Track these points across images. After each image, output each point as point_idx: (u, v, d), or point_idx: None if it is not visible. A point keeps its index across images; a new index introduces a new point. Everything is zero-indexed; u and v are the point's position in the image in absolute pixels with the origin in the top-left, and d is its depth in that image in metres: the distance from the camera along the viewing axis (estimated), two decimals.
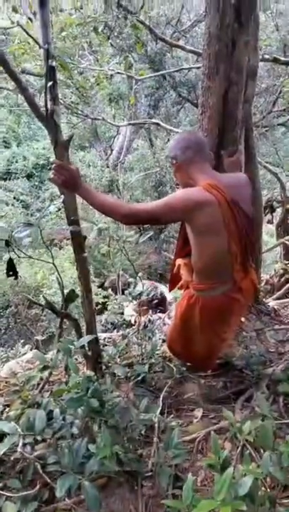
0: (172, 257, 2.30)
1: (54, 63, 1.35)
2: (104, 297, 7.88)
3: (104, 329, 3.45)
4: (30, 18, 2.99)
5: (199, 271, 1.90)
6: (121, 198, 10.51)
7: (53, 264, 1.90)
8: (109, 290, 8.06)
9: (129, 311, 3.16)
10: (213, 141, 2.00)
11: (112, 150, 11.87)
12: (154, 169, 9.49)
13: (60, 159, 1.59)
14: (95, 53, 3.76)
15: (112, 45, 3.53)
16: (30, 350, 3.73)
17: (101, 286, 8.98)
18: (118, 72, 3.60)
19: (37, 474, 1.58)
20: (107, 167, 11.08)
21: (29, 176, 14.83)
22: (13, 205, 12.37)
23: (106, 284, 9.58)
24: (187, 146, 1.81)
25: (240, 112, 1.97)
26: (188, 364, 2.33)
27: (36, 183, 14.63)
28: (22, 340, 4.81)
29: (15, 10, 3.34)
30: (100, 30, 3.21)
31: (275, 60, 3.16)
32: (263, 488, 1.54)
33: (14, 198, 13.08)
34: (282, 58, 3.24)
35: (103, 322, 3.98)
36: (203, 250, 1.80)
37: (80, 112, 4.65)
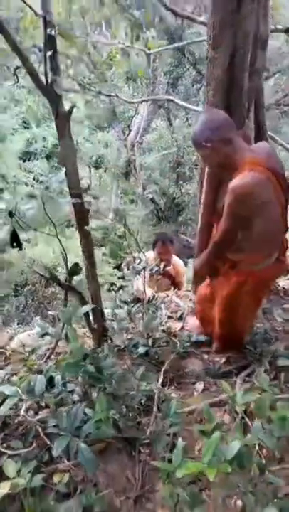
0: (189, 240, 2.39)
1: (53, 32, 1.35)
2: (120, 278, 7.95)
3: (116, 306, 3.49)
4: None
5: (256, 245, 1.90)
6: (138, 180, 10.47)
7: (57, 237, 1.93)
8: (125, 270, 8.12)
9: (139, 285, 3.17)
10: None
11: (130, 130, 11.75)
12: (172, 149, 9.36)
13: (62, 131, 1.60)
14: (109, 28, 3.68)
15: (127, 18, 3.42)
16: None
17: (118, 267, 9.04)
18: (128, 46, 3.53)
19: (38, 437, 1.65)
20: (125, 147, 10.99)
21: (48, 157, 14.86)
22: (32, 186, 12.48)
23: (123, 266, 9.63)
24: (218, 125, 1.78)
25: (246, 84, 1.91)
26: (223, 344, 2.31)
27: (55, 164, 14.67)
28: (38, 317, 4.93)
29: None
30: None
31: (288, 31, 3.04)
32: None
33: (34, 178, 13.16)
34: None
35: (118, 302, 4.01)
36: (265, 226, 1.82)
37: (93, 89, 4.60)
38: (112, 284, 7.47)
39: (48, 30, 1.34)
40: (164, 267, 2.34)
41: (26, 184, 12.41)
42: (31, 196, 1.74)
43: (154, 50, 4.16)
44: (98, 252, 7.91)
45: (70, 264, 1.97)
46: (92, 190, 12.98)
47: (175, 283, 3.75)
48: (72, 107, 1.56)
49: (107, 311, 2.91)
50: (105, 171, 12.55)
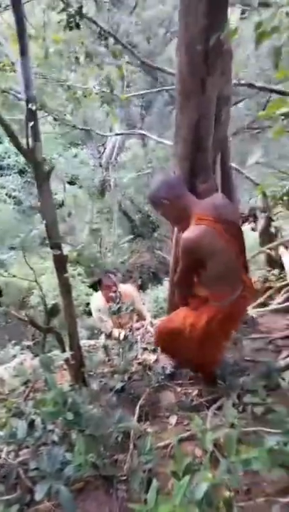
0: (165, 256, 2.61)
1: (34, 107, 1.47)
2: None
3: (91, 334, 3.58)
4: (12, 63, 3.08)
5: (215, 283, 2.14)
6: (114, 198, 10.63)
7: (32, 269, 2.02)
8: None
9: (108, 327, 3.22)
10: (187, 169, 2.14)
11: (104, 149, 11.93)
12: (146, 170, 9.59)
13: (42, 189, 1.72)
14: (83, 67, 3.84)
15: (98, 65, 3.61)
16: (20, 352, 3.82)
17: (93, 286, 9.08)
18: (102, 91, 3.71)
19: (20, 479, 1.72)
20: (100, 166, 11.15)
21: (21, 172, 14.74)
22: (5, 201, 12.39)
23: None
24: (172, 185, 2.06)
25: (210, 145, 2.10)
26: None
27: (28, 179, 14.57)
28: (13, 342, 4.91)
29: None
30: (82, 58, 3.31)
31: (251, 86, 3.30)
32: (227, 492, 1.69)
33: (6, 194, 13.05)
34: (257, 84, 3.36)
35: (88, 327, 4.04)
36: (219, 267, 2.05)
37: (68, 123, 4.76)
38: (88, 303, 7.53)
39: (30, 105, 1.46)
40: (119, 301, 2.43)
41: None
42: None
43: (127, 95, 4.40)
44: (74, 272, 7.97)
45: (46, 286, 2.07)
46: (67, 206, 13.03)
47: (137, 311, 3.78)
48: (51, 169, 1.68)
49: (82, 343, 2.99)
50: (80, 187, 12.64)
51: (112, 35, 3.42)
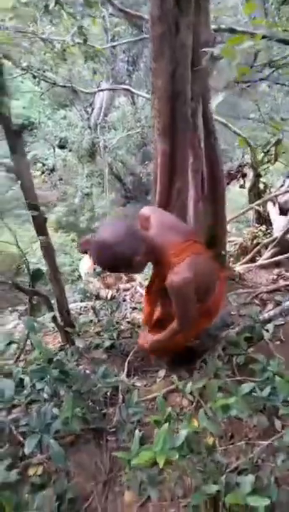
0: None
1: None
2: None
3: (84, 297, 3.61)
4: None
5: (207, 291, 2.00)
6: (103, 160, 10.39)
7: (10, 229, 2.01)
8: None
9: (96, 285, 3.28)
10: (165, 121, 2.04)
11: (92, 109, 11.53)
12: (136, 130, 9.31)
13: (14, 147, 1.66)
14: (60, 19, 3.59)
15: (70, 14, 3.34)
16: (19, 318, 3.90)
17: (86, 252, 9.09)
18: (78, 43, 3.48)
19: (12, 435, 1.79)
20: (89, 128, 10.81)
21: None
22: None
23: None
24: (132, 231, 1.72)
25: (189, 93, 2.00)
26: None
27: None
28: (10, 308, 4.99)
29: None
30: (51, 7, 3.05)
31: (232, 31, 3.10)
32: (211, 439, 1.77)
33: None
34: (239, 29, 3.15)
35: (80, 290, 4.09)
36: (207, 280, 1.95)
37: (49, 80, 4.54)
38: None
39: None
40: None
41: None
42: None
43: (105, 46, 4.15)
44: (67, 238, 7.96)
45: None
46: (58, 171, 12.78)
47: None
48: (22, 126, 1.61)
49: (74, 305, 3.03)
50: (70, 151, 12.33)
51: None
